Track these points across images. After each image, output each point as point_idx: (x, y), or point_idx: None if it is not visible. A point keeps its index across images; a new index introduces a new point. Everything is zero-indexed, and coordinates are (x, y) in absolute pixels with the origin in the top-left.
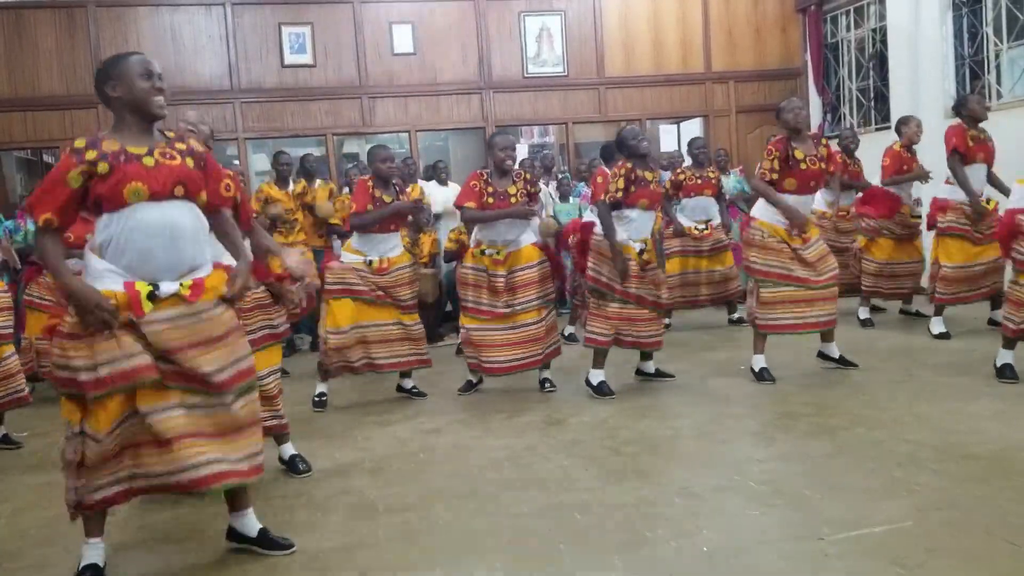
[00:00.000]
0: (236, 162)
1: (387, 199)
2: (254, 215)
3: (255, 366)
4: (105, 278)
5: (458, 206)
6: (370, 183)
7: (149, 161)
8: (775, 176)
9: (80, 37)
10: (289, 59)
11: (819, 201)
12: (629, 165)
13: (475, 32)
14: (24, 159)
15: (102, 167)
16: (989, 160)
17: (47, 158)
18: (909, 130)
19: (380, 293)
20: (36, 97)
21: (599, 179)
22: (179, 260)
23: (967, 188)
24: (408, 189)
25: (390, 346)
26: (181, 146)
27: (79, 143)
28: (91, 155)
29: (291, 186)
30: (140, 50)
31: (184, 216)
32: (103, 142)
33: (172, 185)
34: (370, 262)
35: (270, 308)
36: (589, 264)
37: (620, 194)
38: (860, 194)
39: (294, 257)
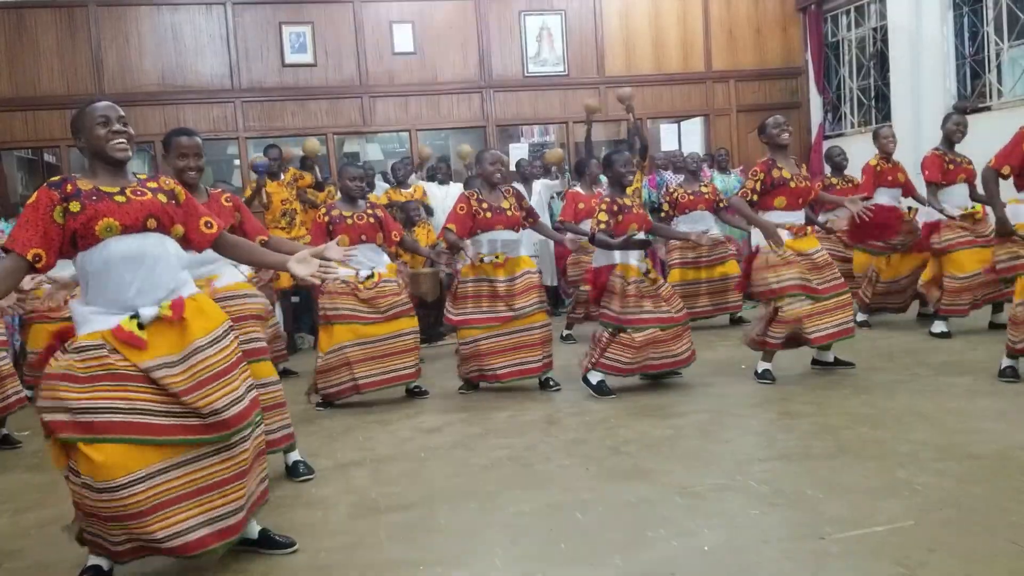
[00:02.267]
0: (236, 161)
1: (346, 213)
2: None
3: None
4: (91, 321)
5: (445, 227)
6: (324, 218)
7: (121, 198)
8: (755, 197)
9: (81, 37)
10: (290, 58)
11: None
12: (609, 199)
13: (475, 31)
14: (25, 159)
15: (74, 205)
16: (971, 179)
17: (48, 158)
18: (879, 142)
19: (366, 314)
20: (37, 96)
21: (582, 204)
22: (153, 286)
23: (946, 214)
24: (411, 189)
25: (378, 363)
26: (153, 184)
27: (54, 178)
28: (68, 188)
29: (281, 177)
30: (141, 49)
31: (156, 245)
32: (77, 181)
33: (144, 218)
34: (362, 276)
35: (247, 322)
36: (602, 303)
37: (603, 226)
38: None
39: (301, 266)
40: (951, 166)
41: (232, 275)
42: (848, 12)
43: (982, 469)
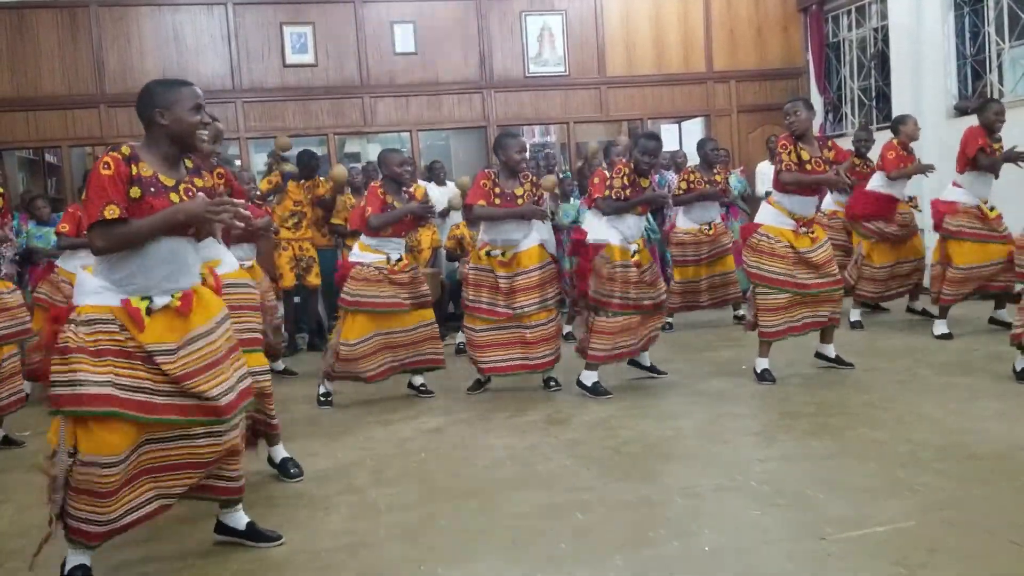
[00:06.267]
0: (238, 161)
1: (397, 204)
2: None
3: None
4: (100, 294)
5: (468, 205)
6: (380, 189)
7: (175, 197)
8: (795, 167)
9: (82, 37)
10: (291, 59)
11: (829, 202)
12: (631, 167)
13: (476, 31)
14: (26, 159)
15: (134, 191)
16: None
17: (49, 158)
18: (907, 128)
19: (403, 299)
20: (38, 97)
21: (595, 180)
22: (175, 283)
23: (995, 170)
24: (412, 189)
25: (417, 347)
26: (199, 182)
27: (126, 150)
28: (134, 170)
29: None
30: (142, 50)
31: (189, 249)
32: (140, 161)
33: (189, 227)
34: (394, 260)
35: (244, 311)
36: (590, 284)
37: (625, 191)
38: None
39: None
40: (996, 144)
41: (231, 263)
42: (849, 12)
43: (982, 469)
